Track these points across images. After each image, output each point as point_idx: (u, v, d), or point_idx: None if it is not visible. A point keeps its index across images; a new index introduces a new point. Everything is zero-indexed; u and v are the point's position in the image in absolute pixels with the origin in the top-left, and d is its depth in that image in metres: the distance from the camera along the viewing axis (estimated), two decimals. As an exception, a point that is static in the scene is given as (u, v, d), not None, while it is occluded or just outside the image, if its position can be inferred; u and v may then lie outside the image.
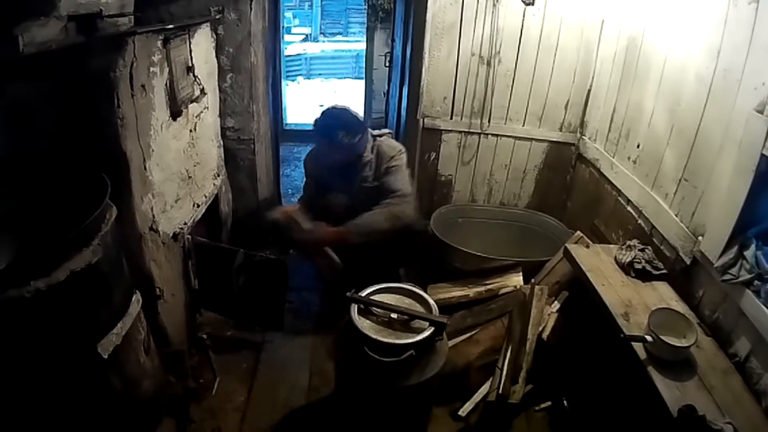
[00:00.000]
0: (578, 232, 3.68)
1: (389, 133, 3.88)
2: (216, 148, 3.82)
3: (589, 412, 2.99)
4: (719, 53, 2.57)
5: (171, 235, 3.04)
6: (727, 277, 2.34)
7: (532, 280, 3.39)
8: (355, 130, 3.50)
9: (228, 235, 4.19)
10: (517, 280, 3.57)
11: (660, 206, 3.01)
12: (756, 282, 2.23)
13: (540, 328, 3.14)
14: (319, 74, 15.15)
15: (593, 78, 4.03)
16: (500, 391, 2.83)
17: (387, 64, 5.96)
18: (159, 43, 2.74)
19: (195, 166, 3.34)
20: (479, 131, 4.29)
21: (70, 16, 1.99)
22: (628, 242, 3.05)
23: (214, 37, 3.64)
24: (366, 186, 3.65)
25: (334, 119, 3.54)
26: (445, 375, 2.77)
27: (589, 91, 4.07)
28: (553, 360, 3.15)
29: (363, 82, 8.86)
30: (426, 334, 2.50)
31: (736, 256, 2.32)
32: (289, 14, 17.67)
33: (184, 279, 3.29)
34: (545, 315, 3.23)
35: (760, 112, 2.21)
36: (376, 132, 3.75)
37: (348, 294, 2.64)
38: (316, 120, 3.63)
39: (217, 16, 3.58)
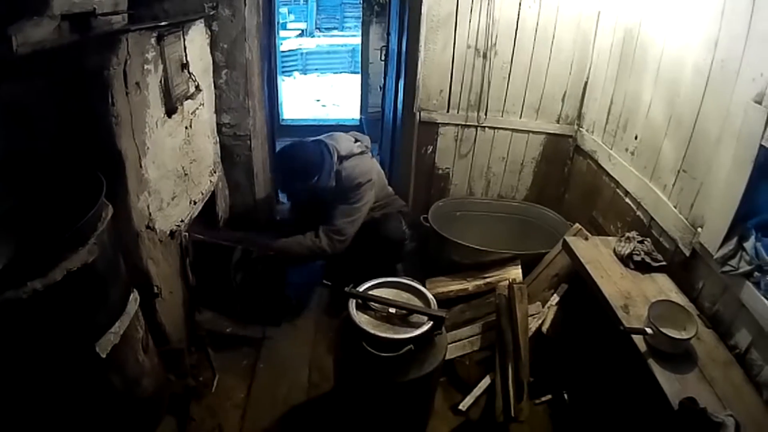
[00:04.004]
0: (577, 224, 3.69)
1: (361, 152, 3.76)
2: (212, 144, 3.80)
3: (590, 405, 2.99)
4: (717, 44, 2.56)
5: (168, 232, 3.02)
6: (726, 268, 2.34)
7: (510, 280, 3.39)
8: (310, 175, 3.48)
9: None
10: (515, 272, 3.57)
11: (658, 198, 3.00)
12: (756, 273, 2.23)
13: (533, 330, 3.15)
14: (315, 69, 15.17)
15: (590, 70, 4.02)
16: (513, 414, 2.83)
17: (383, 58, 5.93)
18: (153, 41, 2.72)
19: (191, 163, 3.33)
20: (476, 124, 4.28)
21: (63, 15, 1.97)
22: (627, 234, 3.05)
23: (209, 33, 3.62)
24: (326, 208, 3.61)
25: (287, 170, 3.57)
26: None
27: (586, 82, 4.07)
28: (552, 353, 3.16)
29: (359, 76, 8.88)
30: (425, 328, 2.49)
31: (735, 248, 2.32)
32: (284, 9, 17.61)
33: (181, 276, 3.27)
34: (544, 309, 3.23)
35: (759, 102, 2.20)
36: (345, 149, 3.65)
37: (346, 289, 2.64)
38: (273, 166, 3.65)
39: (211, 12, 3.56)
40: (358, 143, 3.68)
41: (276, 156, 3.54)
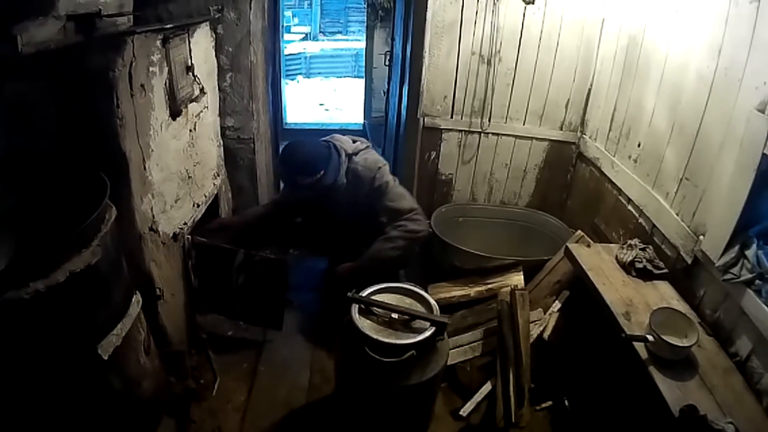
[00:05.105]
0: (579, 231, 3.68)
1: (366, 147, 3.69)
2: (216, 147, 3.82)
3: (591, 412, 2.99)
4: (720, 52, 2.56)
5: (171, 235, 3.03)
6: (728, 276, 2.34)
7: (512, 286, 3.39)
8: (314, 169, 3.38)
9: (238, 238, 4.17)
10: (517, 279, 3.56)
11: (661, 205, 3.00)
12: (757, 281, 2.23)
13: (534, 336, 3.15)
14: (319, 73, 15.19)
15: (594, 77, 4.02)
16: (513, 420, 2.83)
17: (387, 63, 5.95)
18: (158, 43, 2.73)
19: (195, 165, 3.34)
20: (479, 130, 4.28)
21: (68, 16, 1.98)
22: (629, 241, 3.04)
23: (214, 36, 3.63)
24: (344, 210, 3.56)
25: (290, 163, 3.42)
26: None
27: (590, 89, 4.07)
28: (554, 359, 3.15)
29: (363, 80, 8.88)
30: (427, 334, 2.50)
31: (737, 256, 2.32)
32: (288, 13, 17.69)
33: (184, 279, 3.28)
34: (546, 315, 3.23)
35: (762, 111, 2.20)
36: (351, 147, 3.59)
37: (349, 294, 2.63)
38: (278, 160, 3.56)
39: (217, 15, 3.57)
40: (357, 143, 3.67)
41: (282, 149, 3.46)
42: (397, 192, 3.49)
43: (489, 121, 4.23)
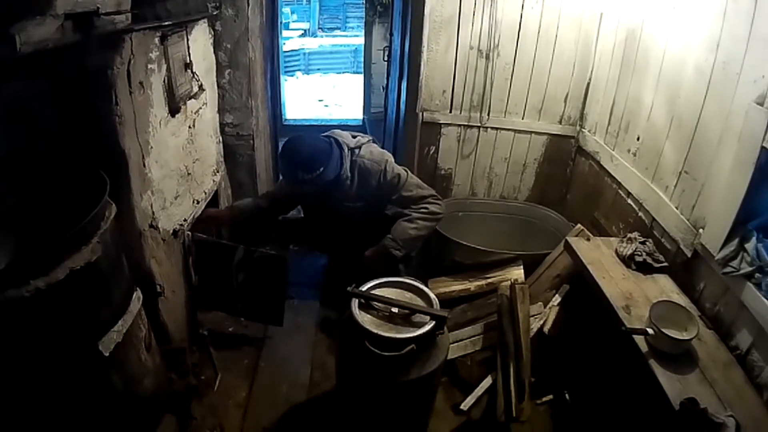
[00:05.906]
0: (579, 225, 3.69)
1: (368, 140, 3.65)
2: (215, 144, 3.81)
3: (591, 406, 2.99)
4: (718, 46, 2.56)
5: (171, 231, 3.03)
6: (727, 269, 2.34)
7: (512, 280, 3.39)
8: (316, 164, 3.29)
9: (228, 231, 4.17)
10: (517, 273, 3.57)
11: (660, 199, 3.00)
12: (757, 275, 2.23)
13: (534, 330, 3.15)
14: (318, 69, 15.21)
15: (592, 71, 4.02)
16: (514, 414, 2.82)
17: (385, 59, 5.94)
18: (156, 40, 2.72)
19: (194, 162, 3.33)
20: (478, 125, 4.28)
21: (66, 15, 1.97)
22: (629, 235, 3.05)
23: (212, 33, 3.63)
24: (347, 205, 3.54)
25: (291, 159, 3.34)
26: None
27: (589, 83, 4.07)
28: (554, 353, 3.16)
29: (362, 76, 8.88)
30: (427, 328, 2.49)
31: (736, 249, 2.32)
32: (286, 9, 17.66)
33: (184, 276, 3.28)
34: (546, 309, 3.23)
35: (760, 104, 2.20)
36: (352, 142, 3.55)
37: (348, 288, 2.63)
38: (279, 155, 3.57)
39: (215, 12, 3.57)
40: (358, 137, 3.66)
41: (283, 144, 3.44)
42: (413, 182, 3.52)
43: (488, 115, 4.24)
